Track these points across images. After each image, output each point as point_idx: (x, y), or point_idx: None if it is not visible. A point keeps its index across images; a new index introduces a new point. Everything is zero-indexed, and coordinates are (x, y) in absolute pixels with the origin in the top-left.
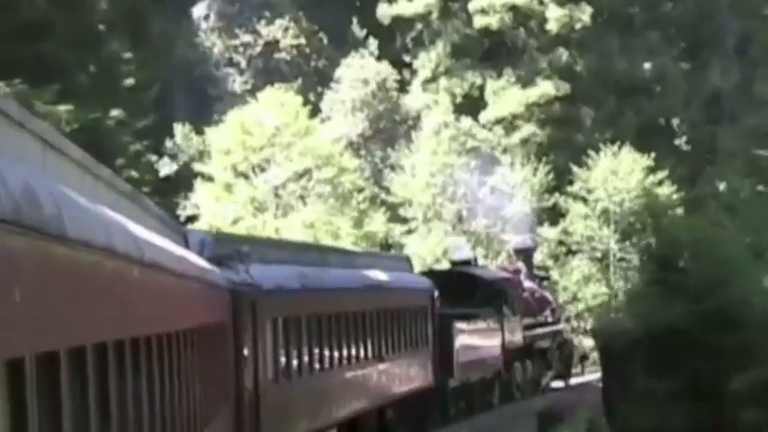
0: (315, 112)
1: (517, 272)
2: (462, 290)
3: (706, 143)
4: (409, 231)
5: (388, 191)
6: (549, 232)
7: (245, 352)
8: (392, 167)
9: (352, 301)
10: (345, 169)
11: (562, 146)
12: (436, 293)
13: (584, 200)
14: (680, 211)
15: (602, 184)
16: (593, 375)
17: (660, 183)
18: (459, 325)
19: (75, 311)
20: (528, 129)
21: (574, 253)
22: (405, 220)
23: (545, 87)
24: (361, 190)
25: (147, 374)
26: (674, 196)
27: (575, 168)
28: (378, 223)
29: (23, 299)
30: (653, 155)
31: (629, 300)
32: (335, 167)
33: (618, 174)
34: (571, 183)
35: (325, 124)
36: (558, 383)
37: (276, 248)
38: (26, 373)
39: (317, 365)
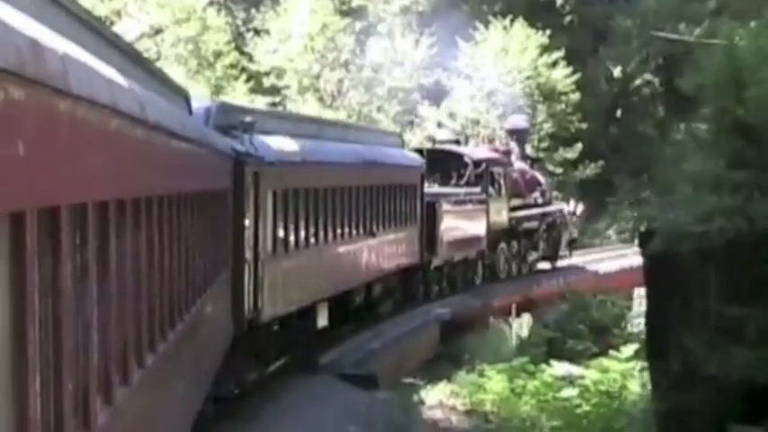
0: None
1: (508, 153)
2: (449, 169)
3: (599, 22)
4: (275, 104)
5: (250, 58)
6: (431, 112)
7: (246, 223)
8: (257, 32)
9: (349, 175)
10: (209, 28)
11: (447, 17)
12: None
13: (471, 78)
14: (575, 96)
15: (490, 61)
16: (580, 258)
17: (554, 63)
18: (445, 204)
19: (78, 168)
20: None
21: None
22: (272, 91)
23: None
24: (219, 54)
25: (146, 235)
26: (568, 80)
27: (460, 43)
28: (239, 93)
29: (26, 151)
30: (547, 32)
31: (696, 190)
32: (198, 24)
33: (508, 51)
34: (456, 59)
35: None
36: (544, 265)
37: (277, 119)
38: (27, 226)
39: (312, 240)
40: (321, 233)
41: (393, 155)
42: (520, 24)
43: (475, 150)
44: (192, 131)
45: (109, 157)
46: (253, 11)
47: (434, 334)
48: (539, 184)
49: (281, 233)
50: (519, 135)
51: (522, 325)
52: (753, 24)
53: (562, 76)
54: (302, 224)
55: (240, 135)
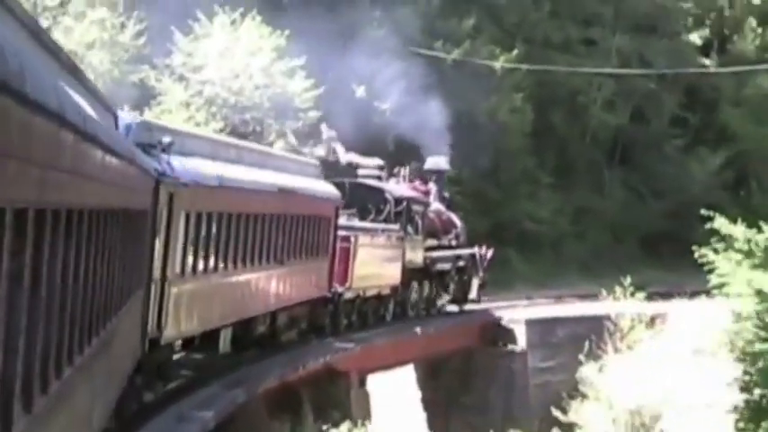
0: None
1: (427, 192)
2: (369, 203)
3: (347, 30)
4: None
5: None
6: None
7: (158, 242)
8: None
9: (264, 202)
10: None
11: (158, 2)
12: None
13: (187, 80)
14: (314, 113)
15: (213, 61)
16: (488, 304)
17: (293, 72)
18: (361, 238)
19: (24, 173)
20: None
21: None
22: None
23: None
24: None
25: (75, 247)
26: (307, 94)
27: (176, 34)
28: None
29: None
30: (287, 33)
31: None
32: None
33: (236, 52)
34: (170, 55)
35: None
36: (452, 308)
37: (195, 141)
38: None
39: (221, 264)
40: (230, 258)
41: (309, 185)
42: (252, 21)
43: (396, 187)
44: (122, 148)
45: (49, 165)
46: None
47: None
48: (454, 226)
49: (190, 255)
50: (438, 175)
51: None
52: None
53: (301, 89)
54: (212, 248)
55: (158, 154)
